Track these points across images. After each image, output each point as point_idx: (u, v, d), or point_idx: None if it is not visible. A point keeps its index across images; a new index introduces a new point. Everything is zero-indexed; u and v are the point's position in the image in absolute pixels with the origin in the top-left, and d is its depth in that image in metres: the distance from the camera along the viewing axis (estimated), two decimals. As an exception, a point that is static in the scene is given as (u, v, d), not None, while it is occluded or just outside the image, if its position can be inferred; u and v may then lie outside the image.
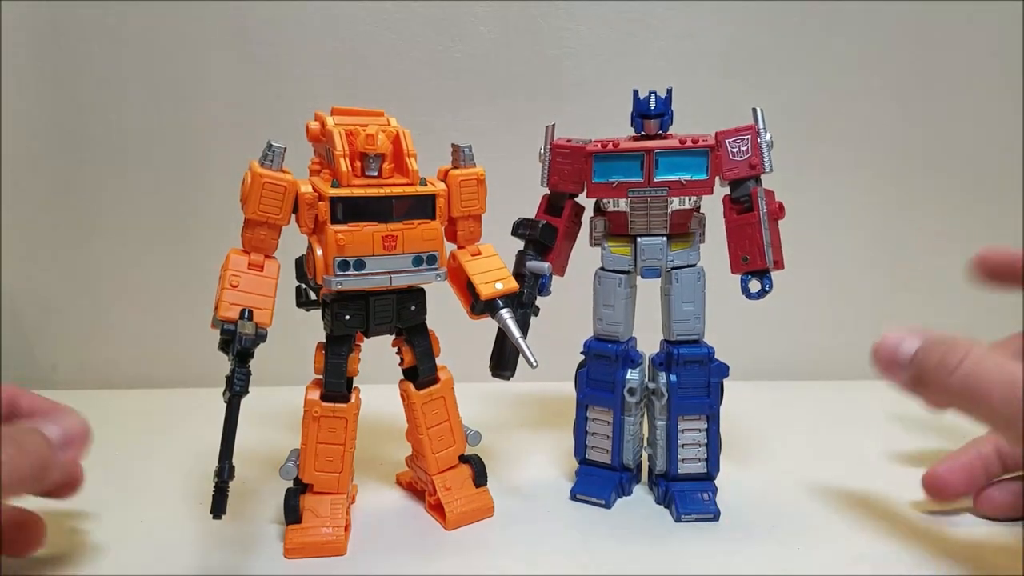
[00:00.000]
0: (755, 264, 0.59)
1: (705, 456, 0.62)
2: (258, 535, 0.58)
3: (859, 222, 0.98)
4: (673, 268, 0.62)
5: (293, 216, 0.55)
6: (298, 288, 0.63)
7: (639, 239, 0.62)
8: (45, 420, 0.48)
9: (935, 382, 0.45)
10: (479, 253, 0.61)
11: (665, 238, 0.61)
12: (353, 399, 0.58)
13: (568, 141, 0.63)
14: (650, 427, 0.65)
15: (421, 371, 0.60)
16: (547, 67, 0.93)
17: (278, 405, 0.74)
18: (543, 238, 0.64)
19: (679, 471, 0.62)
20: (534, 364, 0.57)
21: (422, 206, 0.56)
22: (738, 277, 0.61)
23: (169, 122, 0.93)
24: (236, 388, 0.49)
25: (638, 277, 0.63)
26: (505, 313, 0.59)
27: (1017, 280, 0.57)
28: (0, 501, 0.46)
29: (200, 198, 0.95)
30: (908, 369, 0.47)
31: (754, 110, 0.60)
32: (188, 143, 0.94)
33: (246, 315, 0.51)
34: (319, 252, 0.54)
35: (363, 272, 0.54)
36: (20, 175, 0.94)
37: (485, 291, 0.59)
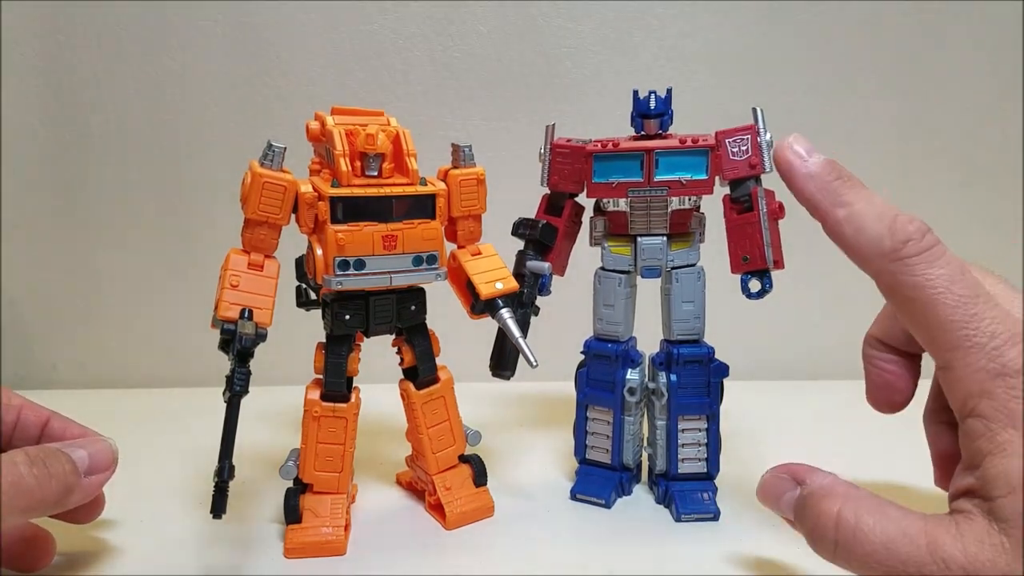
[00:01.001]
0: (755, 264, 0.59)
1: (705, 456, 0.62)
2: (258, 535, 0.58)
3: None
4: (673, 268, 0.61)
5: (293, 216, 0.55)
6: (298, 288, 0.63)
7: (639, 239, 0.62)
8: (74, 443, 0.49)
9: (817, 550, 0.43)
10: (479, 253, 0.61)
11: (665, 238, 0.61)
12: (353, 399, 0.58)
13: (568, 141, 0.63)
14: (650, 427, 0.65)
15: (421, 371, 0.60)
16: (547, 67, 0.93)
17: (278, 405, 0.74)
18: (543, 238, 0.64)
19: (679, 471, 0.62)
20: (534, 364, 0.57)
21: (422, 206, 0.56)
22: (738, 277, 0.61)
23: (169, 122, 0.93)
24: (236, 388, 0.49)
25: (638, 277, 0.63)
26: (505, 313, 0.59)
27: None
28: (23, 520, 0.46)
29: (200, 198, 0.95)
30: (791, 517, 0.46)
31: (754, 110, 0.60)
32: (188, 143, 0.94)
33: (246, 315, 0.51)
34: (319, 252, 0.54)
35: (363, 272, 0.54)
36: (20, 175, 0.94)
37: (485, 291, 0.59)
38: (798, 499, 0.45)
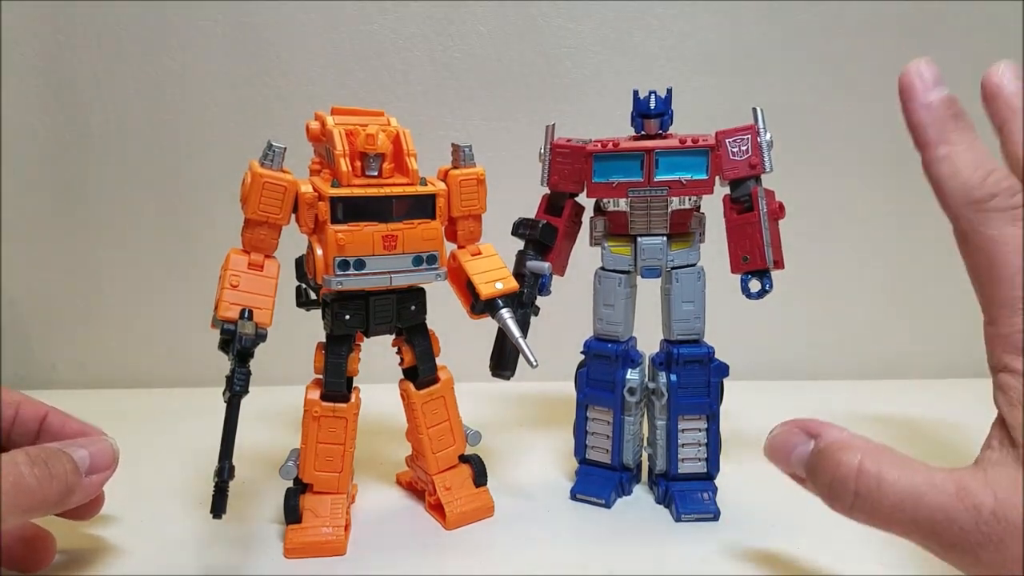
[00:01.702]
0: (755, 264, 0.59)
1: (705, 456, 0.62)
2: (258, 535, 0.58)
3: (859, 221, 0.98)
4: (673, 268, 0.62)
5: (293, 216, 0.55)
6: (298, 288, 0.63)
7: (639, 239, 0.62)
8: (75, 443, 0.49)
9: (833, 505, 0.41)
10: (479, 253, 0.61)
11: (665, 238, 0.61)
12: (353, 399, 0.58)
13: (568, 141, 0.63)
14: (650, 427, 0.65)
15: (421, 371, 0.60)
16: (547, 67, 0.93)
17: (278, 405, 0.74)
18: (543, 238, 0.64)
19: (679, 471, 0.62)
20: (534, 364, 0.57)
21: (422, 206, 0.56)
22: (738, 277, 0.61)
23: (169, 122, 0.93)
24: (236, 388, 0.49)
25: (638, 277, 0.63)
26: (505, 313, 0.59)
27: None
28: (24, 520, 0.46)
29: (200, 198, 0.95)
30: (802, 473, 0.44)
31: (754, 110, 0.60)
32: (188, 143, 0.94)
33: (246, 315, 0.51)
34: (319, 252, 0.54)
35: (363, 272, 0.54)
36: (20, 175, 0.94)
37: (485, 291, 0.59)
38: (812, 453, 0.43)
